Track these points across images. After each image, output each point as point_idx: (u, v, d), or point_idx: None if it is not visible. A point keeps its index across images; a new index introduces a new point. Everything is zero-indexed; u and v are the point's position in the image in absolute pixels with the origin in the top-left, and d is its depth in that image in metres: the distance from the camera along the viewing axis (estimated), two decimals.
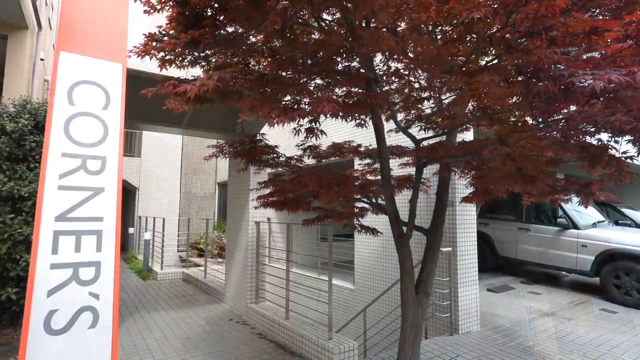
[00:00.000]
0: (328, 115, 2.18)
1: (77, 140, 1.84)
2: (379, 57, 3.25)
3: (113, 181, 1.83)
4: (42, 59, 6.59)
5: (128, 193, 14.28)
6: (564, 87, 1.75)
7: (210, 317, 5.81)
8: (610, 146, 2.75)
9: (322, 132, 2.74)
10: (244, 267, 5.92)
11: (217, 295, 7.02)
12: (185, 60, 3.06)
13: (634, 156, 2.62)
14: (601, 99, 1.97)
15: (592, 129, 2.61)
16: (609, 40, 2.00)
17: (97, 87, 1.93)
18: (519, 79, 1.93)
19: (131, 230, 12.57)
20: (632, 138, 2.49)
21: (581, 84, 1.67)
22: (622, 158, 2.67)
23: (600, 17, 2.79)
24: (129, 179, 12.35)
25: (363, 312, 5.40)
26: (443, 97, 3.28)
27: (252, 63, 3.16)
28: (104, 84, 1.95)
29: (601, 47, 2.01)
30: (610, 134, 2.66)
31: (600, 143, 2.80)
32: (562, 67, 1.79)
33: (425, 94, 3.16)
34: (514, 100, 2.60)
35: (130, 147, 12.97)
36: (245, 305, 5.71)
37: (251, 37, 2.96)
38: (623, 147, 2.87)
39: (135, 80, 4.27)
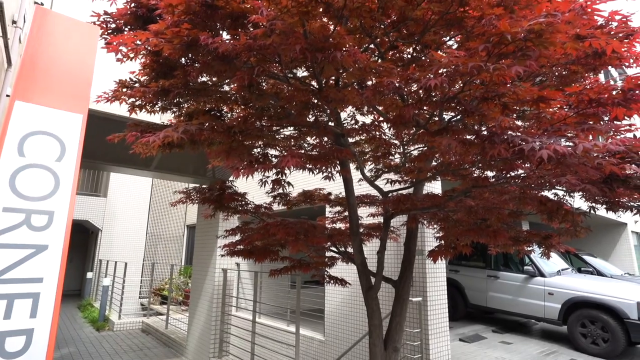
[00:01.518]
0: (294, 168, 2.19)
1: (23, 193, 1.71)
2: (349, 108, 3.36)
3: (59, 238, 1.69)
4: (8, 95, 6.40)
5: (90, 234, 13.54)
6: (517, 151, 1.85)
7: None
8: (565, 201, 2.89)
9: (289, 183, 2.74)
10: (208, 317, 5.59)
11: (178, 348, 6.53)
12: (156, 107, 3.06)
13: (586, 212, 2.76)
14: (552, 161, 2.09)
15: (547, 185, 2.76)
16: (555, 107, 2.17)
17: (53, 137, 1.85)
18: (476, 141, 2.04)
19: (89, 275, 11.75)
20: (583, 194, 2.64)
21: (531, 149, 1.77)
22: (577, 213, 2.81)
23: (549, 83, 3.05)
24: (92, 219, 11.75)
25: None
26: (411, 149, 3.39)
27: (225, 110, 3.19)
28: (60, 135, 1.87)
29: (548, 113, 2.17)
30: (564, 191, 2.81)
31: (556, 197, 2.94)
32: (514, 133, 1.91)
33: (392, 148, 3.26)
34: (474, 156, 2.72)
35: (96, 186, 12.46)
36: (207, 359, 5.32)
37: (224, 85, 3.01)
38: (577, 201, 3.03)
39: (103, 122, 4.20)
